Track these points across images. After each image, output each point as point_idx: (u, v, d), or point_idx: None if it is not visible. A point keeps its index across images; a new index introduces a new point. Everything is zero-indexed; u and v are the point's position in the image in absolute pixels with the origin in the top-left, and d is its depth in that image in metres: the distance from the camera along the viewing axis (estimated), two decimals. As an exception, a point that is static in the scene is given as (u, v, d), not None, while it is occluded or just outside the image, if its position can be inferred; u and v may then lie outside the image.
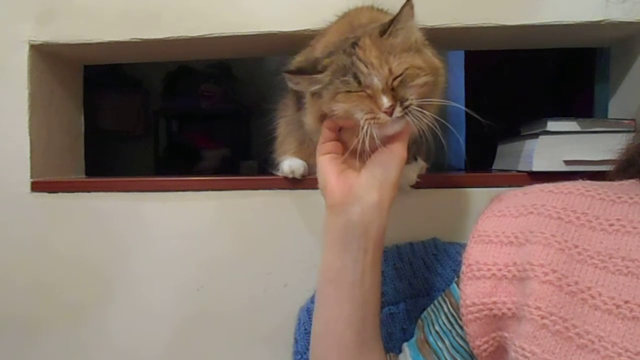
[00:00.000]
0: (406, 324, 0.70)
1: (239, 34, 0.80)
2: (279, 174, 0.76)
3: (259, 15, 0.79)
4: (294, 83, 0.60)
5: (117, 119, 2.28)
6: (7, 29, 0.83)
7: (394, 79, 0.54)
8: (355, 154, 0.55)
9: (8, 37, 0.83)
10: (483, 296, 0.44)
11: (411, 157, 0.69)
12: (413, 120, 0.55)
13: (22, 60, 0.83)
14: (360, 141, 0.54)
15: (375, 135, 0.54)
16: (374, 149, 0.56)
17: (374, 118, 0.54)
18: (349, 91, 0.55)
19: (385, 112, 0.54)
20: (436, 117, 0.57)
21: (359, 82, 0.54)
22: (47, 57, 0.87)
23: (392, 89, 0.54)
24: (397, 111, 0.54)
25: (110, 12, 0.81)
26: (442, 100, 0.59)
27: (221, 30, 0.80)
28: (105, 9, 0.81)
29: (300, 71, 0.60)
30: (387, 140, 0.56)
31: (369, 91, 0.55)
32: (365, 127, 0.54)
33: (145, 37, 0.81)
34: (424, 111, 0.55)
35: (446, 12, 0.77)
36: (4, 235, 0.83)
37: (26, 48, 0.83)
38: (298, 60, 0.70)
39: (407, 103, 0.55)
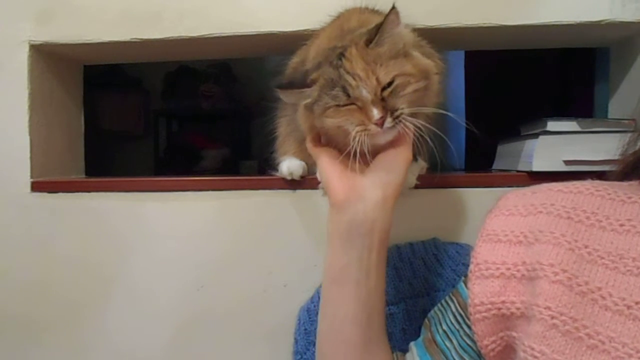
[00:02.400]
0: (406, 324, 0.70)
1: (239, 34, 0.80)
2: (278, 174, 0.76)
3: (259, 15, 0.79)
4: (285, 97, 0.61)
5: (117, 119, 2.28)
6: (7, 29, 0.83)
7: (383, 89, 0.55)
8: (350, 158, 0.55)
9: (8, 37, 0.83)
10: (491, 295, 0.44)
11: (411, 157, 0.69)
12: (404, 129, 0.55)
13: (22, 60, 0.83)
14: (352, 152, 0.54)
15: (364, 146, 0.54)
16: (363, 154, 0.55)
17: (364, 130, 0.54)
18: (338, 105, 0.55)
19: (376, 124, 0.54)
20: (427, 125, 0.56)
21: (348, 95, 0.55)
22: (47, 57, 0.87)
23: (382, 99, 0.54)
24: (388, 122, 0.54)
25: (110, 12, 0.81)
26: (433, 109, 0.58)
27: (221, 30, 0.80)
28: (105, 9, 0.81)
29: (290, 85, 0.60)
30: (382, 147, 0.57)
31: (358, 103, 0.55)
32: (357, 138, 0.54)
33: (146, 37, 0.81)
34: (414, 119, 0.55)
35: (446, 12, 0.77)
36: (4, 235, 0.83)
37: (26, 48, 0.83)
38: (295, 61, 0.70)
39: (397, 113, 0.55)
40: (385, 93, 0.55)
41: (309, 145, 0.62)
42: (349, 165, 0.56)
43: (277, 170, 0.77)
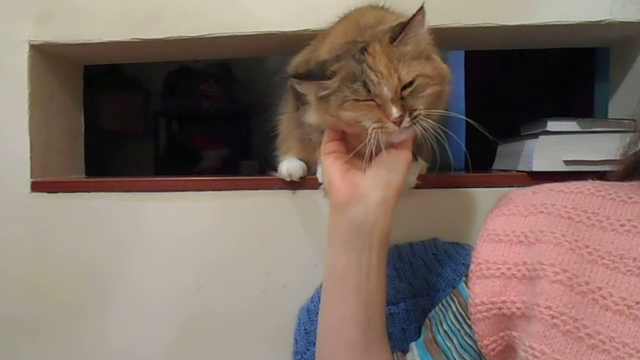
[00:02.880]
0: (406, 324, 0.70)
1: (239, 34, 0.80)
2: (277, 175, 0.76)
3: (258, 15, 0.79)
4: (301, 88, 0.60)
5: (117, 119, 2.28)
6: (7, 29, 0.83)
7: (404, 89, 0.54)
8: (359, 155, 0.56)
9: (8, 37, 0.83)
10: (492, 295, 0.44)
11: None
12: (420, 130, 0.55)
13: (22, 60, 0.83)
14: (368, 147, 0.54)
15: (381, 143, 0.54)
16: (378, 151, 0.56)
17: (381, 127, 0.54)
18: (357, 99, 0.55)
19: (394, 122, 0.54)
20: (440, 126, 0.57)
21: (369, 91, 0.54)
22: (47, 57, 0.87)
23: (402, 98, 0.54)
24: (406, 121, 0.54)
25: (110, 12, 0.81)
26: (447, 112, 0.59)
27: (221, 30, 0.80)
28: (105, 9, 0.81)
29: (308, 76, 0.59)
30: (393, 144, 0.57)
31: (378, 100, 0.54)
32: (374, 135, 0.54)
33: (145, 37, 0.81)
34: (430, 120, 0.56)
35: (446, 12, 0.77)
36: (4, 235, 0.83)
37: (26, 48, 0.83)
38: (298, 60, 0.69)
39: (415, 113, 0.55)
40: (405, 92, 0.55)
41: (325, 138, 0.61)
42: (364, 166, 0.56)
43: (276, 170, 0.77)
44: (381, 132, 0.54)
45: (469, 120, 0.59)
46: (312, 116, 0.62)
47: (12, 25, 0.82)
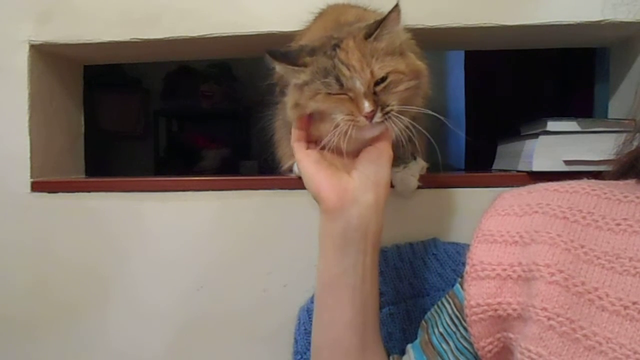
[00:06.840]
0: (406, 324, 0.70)
1: (239, 34, 0.80)
2: (292, 175, 0.76)
3: (259, 15, 0.79)
4: (276, 66, 0.60)
5: (117, 119, 2.28)
6: (7, 29, 0.83)
7: (377, 84, 0.54)
8: (327, 149, 0.55)
9: (8, 37, 0.83)
10: (488, 297, 0.44)
11: (409, 156, 0.69)
12: (392, 126, 0.55)
13: (22, 60, 0.83)
14: (330, 139, 0.54)
15: (349, 138, 0.54)
16: (338, 145, 0.55)
17: (352, 120, 0.54)
18: (329, 93, 0.55)
19: (366, 117, 0.53)
20: (414, 124, 0.56)
21: (341, 85, 0.54)
22: (47, 57, 0.87)
23: (375, 94, 0.54)
24: (377, 116, 0.54)
25: (110, 12, 0.81)
26: (421, 109, 0.58)
27: (221, 30, 0.80)
28: (105, 9, 0.81)
29: (283, 57, 0.58)
30: (368, 140, 0.56)
31: (350, 94, 0.54)
32: (342, 126, 0.54)
33: (145, 37, 0.81)
34: (402, 117, 0.55)
35: (446, 12, 0.77)
36: (4, 235, 0.83)
37: (26, 48, 0.83)
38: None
39: (387, 109, 0.54)
40: (378, 88, 0.54)
41: (293, 137, 0.60)
42: (332, 158, 0.55)
43: (286, 173, 0.77)
44: (352, 125, 0.54)
45: (440, 117, 0.58)
46: (288, 109, 0.61)
47: (12, 25, 0.82)
